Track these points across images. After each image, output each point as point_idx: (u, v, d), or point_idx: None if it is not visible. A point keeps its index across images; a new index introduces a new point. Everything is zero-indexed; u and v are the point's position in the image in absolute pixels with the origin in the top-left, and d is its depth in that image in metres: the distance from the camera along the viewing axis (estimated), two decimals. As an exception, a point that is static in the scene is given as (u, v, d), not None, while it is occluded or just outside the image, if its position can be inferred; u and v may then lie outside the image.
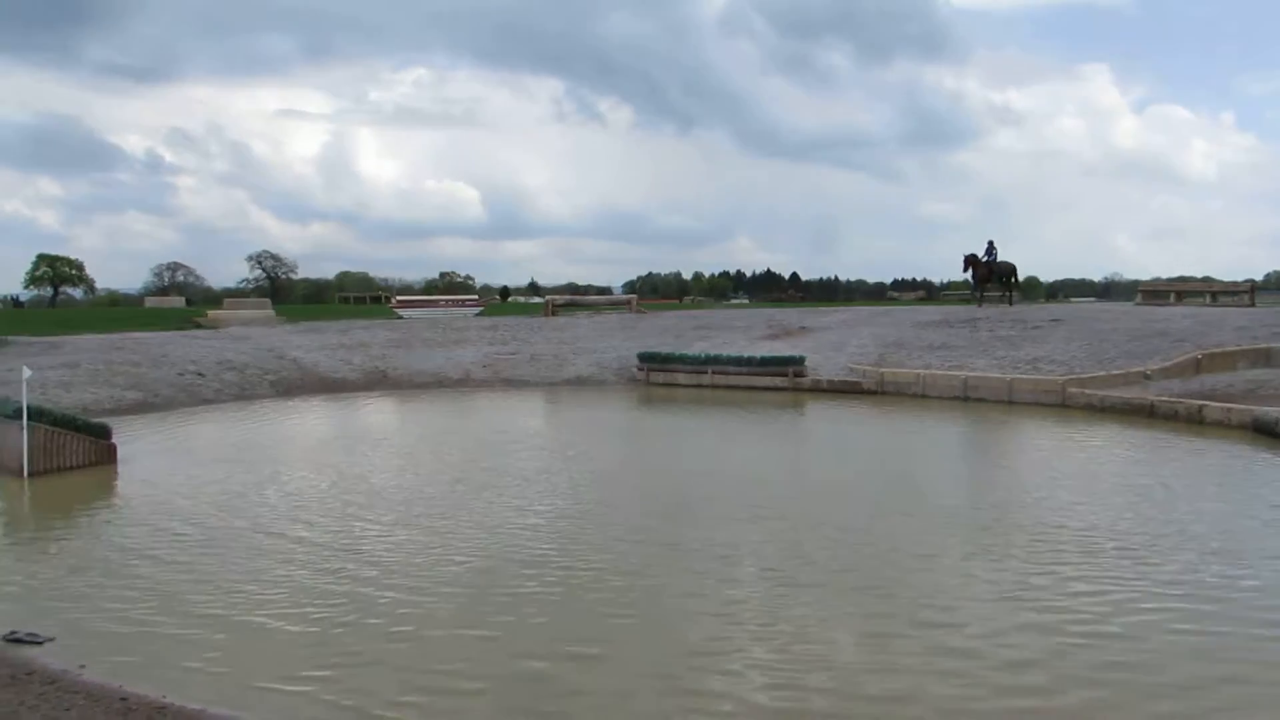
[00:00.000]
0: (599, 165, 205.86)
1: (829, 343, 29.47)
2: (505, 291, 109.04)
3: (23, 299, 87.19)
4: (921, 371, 24.81)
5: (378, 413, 22.69)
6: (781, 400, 23.98)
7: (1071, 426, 18.49)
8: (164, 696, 5.88)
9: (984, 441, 18.23)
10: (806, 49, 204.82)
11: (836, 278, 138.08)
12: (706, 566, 8.89)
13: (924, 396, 23.58)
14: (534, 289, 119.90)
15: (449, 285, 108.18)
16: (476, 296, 61.85)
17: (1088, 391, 21.15)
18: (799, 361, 26.50)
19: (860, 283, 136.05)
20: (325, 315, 46.19)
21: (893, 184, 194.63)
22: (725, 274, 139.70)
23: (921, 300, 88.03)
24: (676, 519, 10.91)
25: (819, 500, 12.12)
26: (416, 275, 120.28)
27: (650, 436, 19.07)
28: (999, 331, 28.51)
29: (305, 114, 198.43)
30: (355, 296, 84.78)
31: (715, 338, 32.57)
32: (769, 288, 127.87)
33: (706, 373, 27.14)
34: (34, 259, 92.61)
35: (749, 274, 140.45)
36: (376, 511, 11.38)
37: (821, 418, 21.28)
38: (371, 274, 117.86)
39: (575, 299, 54.02)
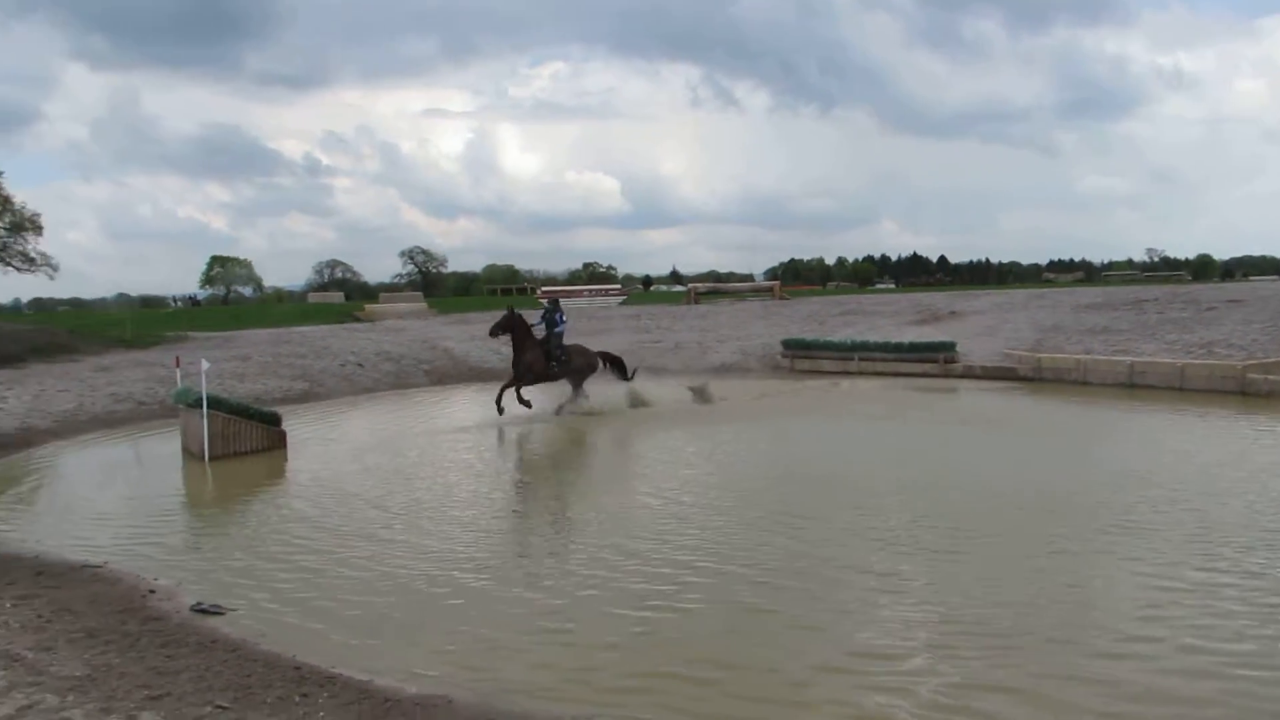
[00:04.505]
0: (737, 150, 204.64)
1: (981, 327, 28.46)
2: (648, 280, 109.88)
3: (199, 298, 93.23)
4: (1082, 357, 23.57)
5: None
6: (940, 387, 23.24)
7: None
8: (333, 667, 6.19)
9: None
10: (952, 18, 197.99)
11: (988, 260, 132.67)
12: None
13: (1084, 384, 22.38)
14: (675, 277, 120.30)
15: (591, 276, 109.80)
16: (619, 286, 62.51)
17: (1271, 378, 19.65)
18: (949, 347, 25.66)
19: (1014, 265, 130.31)
20: (474, 307, 47.62)
21: (1048, 158, 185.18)
22: (869, 258, 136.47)
23: (1080, 282, 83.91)
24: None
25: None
26: (559, 266, 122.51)
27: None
28: (1169, 314, 26.89)
29: (449, 113, 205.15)
30: (502, 289, 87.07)
31: (860, 323, 31.94)
32: (915, 271, 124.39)
33: (853, 359, 26.60)
34: (208, 260, 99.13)
35: (894, 258, 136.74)
36: (539, 489, 11.64)
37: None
38: (516, 266, 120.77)
39: (717, 286, 53.95)
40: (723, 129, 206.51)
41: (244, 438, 14.90)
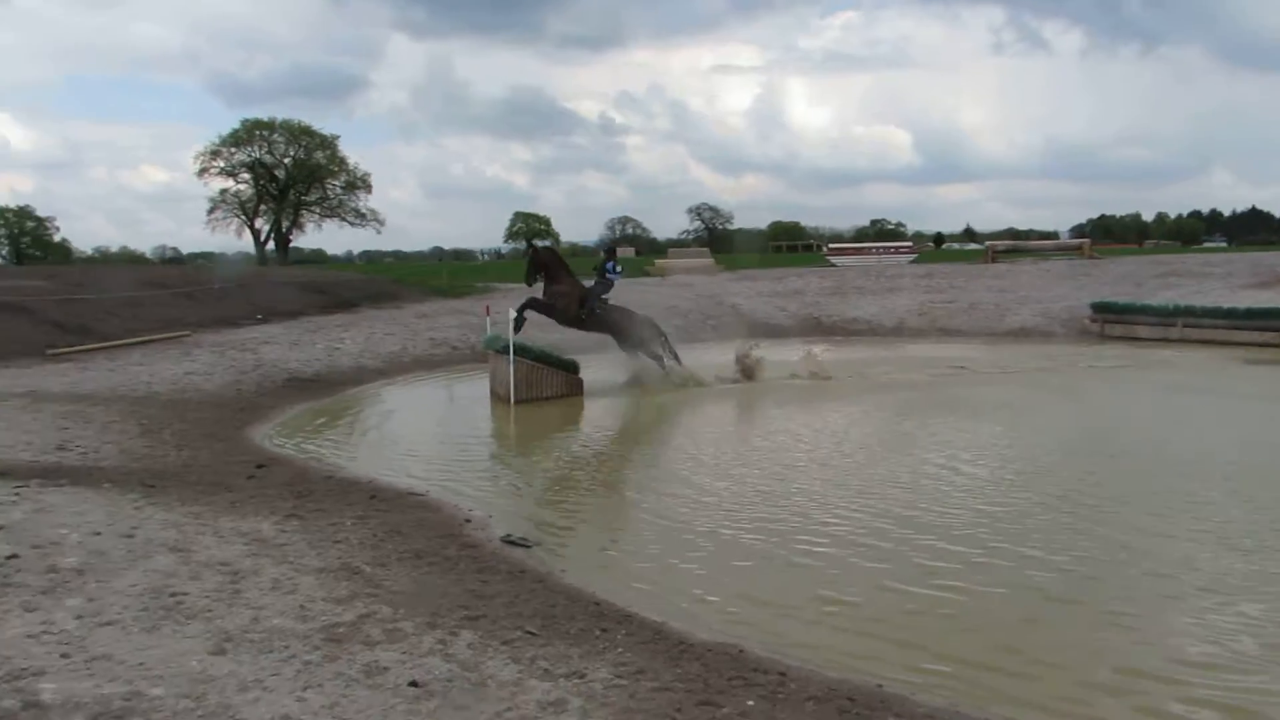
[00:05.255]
0: (1042, 99, 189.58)
1: (1339, 293, 24.90)
2: (939, 238, 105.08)
3: (503, 251, 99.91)
4: None
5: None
6: None
7: None
8: (629, 606, 6.44)
9: None
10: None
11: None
12: None
13: None
14: (970, 235, 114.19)
15: (879, 233, 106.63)
16: (910, 243, 60.43)
17: None
18: (1298, 314, 22.63)
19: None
20: (759, 264, 47.71)
21: None
22: (1196, 214, 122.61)
23: None
24: None
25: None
26: (846, 223, 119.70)
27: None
28: None
29: (737, 68, 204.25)
30: (787, 245, 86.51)
31: (1184, 286, 28.90)
32: (1255, 228, 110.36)
33: (1175, 325, 24.07)
34: (511, 217, 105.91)
35: (1227, 213, 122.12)
36: (821, 448, 11.55)
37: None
38: (802, 223, 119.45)
39: (1017, 244, 50.72)
40: (1025, 76, 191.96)
41: (546, 383, 15.84)
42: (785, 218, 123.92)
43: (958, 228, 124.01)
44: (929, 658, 5.76)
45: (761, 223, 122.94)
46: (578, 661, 5.23)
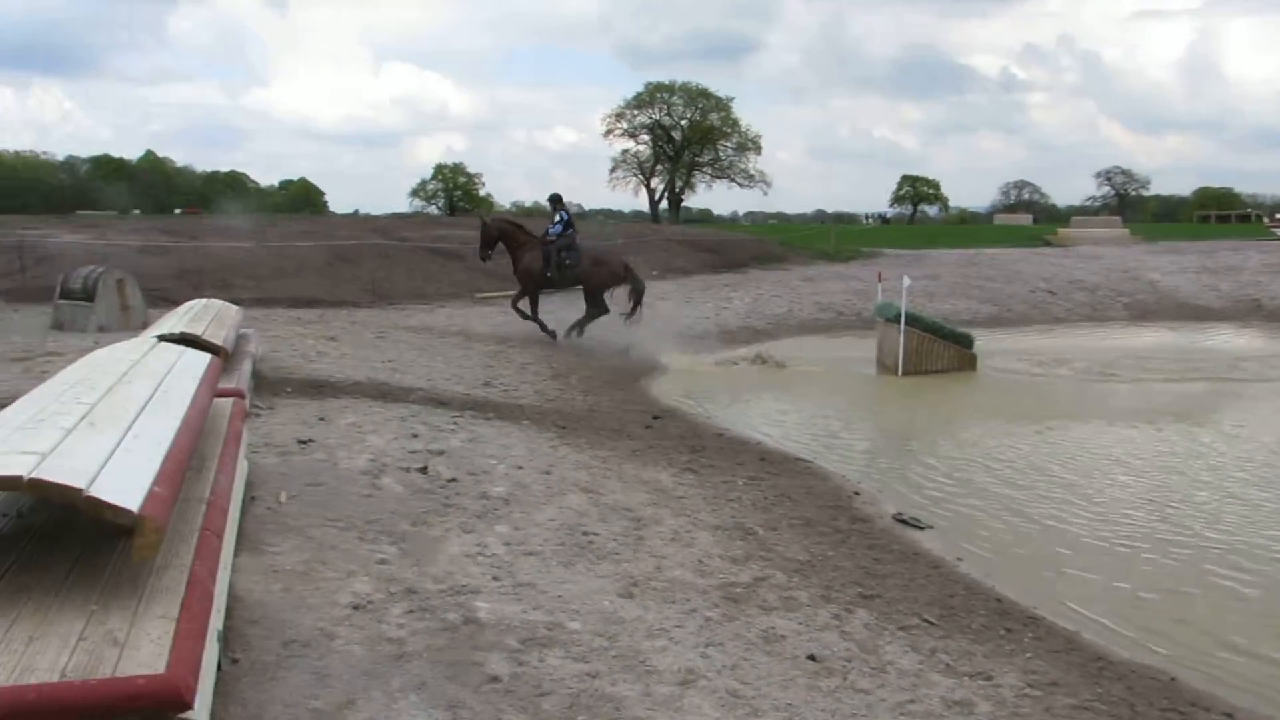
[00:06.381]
0: None
1: None
2: None
3: (888, 215, 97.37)
4: None
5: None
6: None
7: None
8: (1035, 608, 5.94)
9: None
10: None
11: None
12: None
13: None
14: None
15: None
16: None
17: None
18: None
19: None
20: (1182, 235, 42.45)
21: None
22: None
23: None
24: None
25: None
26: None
27: None
28: None
29: (1164, 12, 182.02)
30: (1218, 215, 76.23)
31: None
32: None
33: None
34: (899, 179, 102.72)
35: None
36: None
37: None
38: (1237, 189, 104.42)
39: None
40: None
41: (936, 356, 15.16)
42: (1214, 183, 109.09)
43: None
44: None
45: (1185, 189, 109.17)
46: (982, 661, 4.89)
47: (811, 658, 4.55)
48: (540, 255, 15.85)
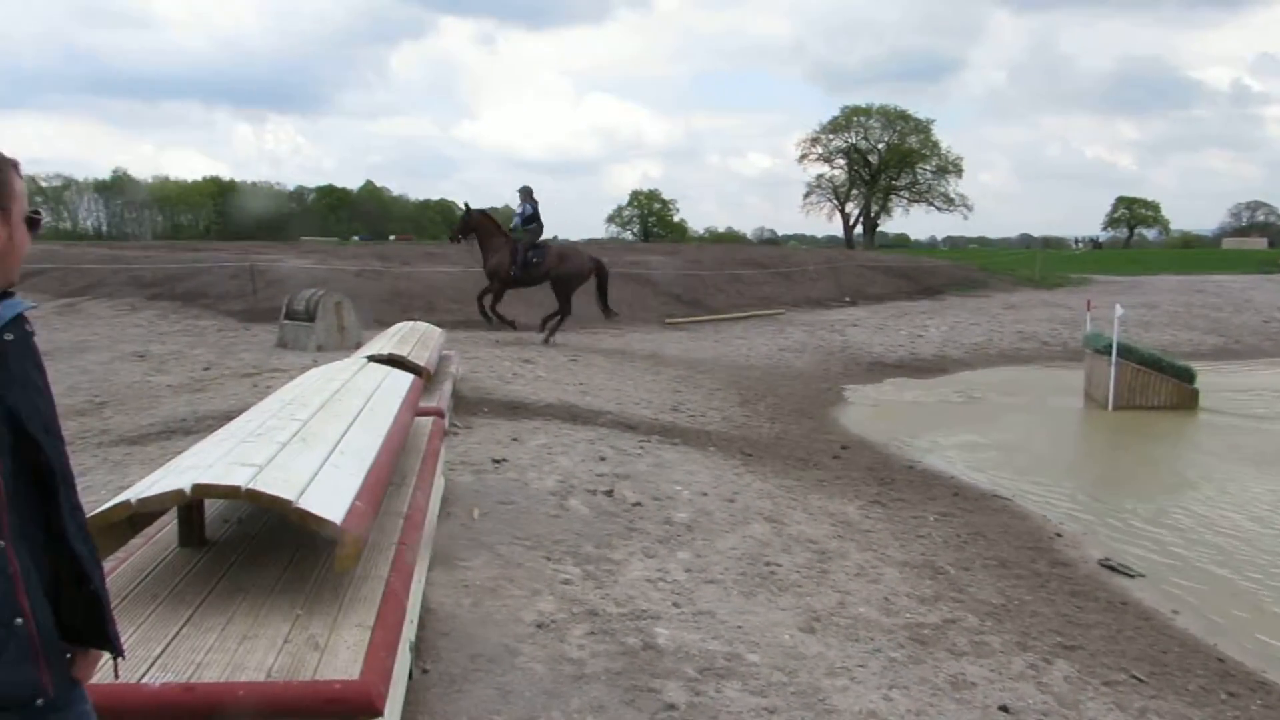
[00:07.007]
0: None
1: None
2: None
3: (1100, 239, 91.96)
4: None
5: None
6: None
7: None
8: (1264, 671, 5.41)
9: None
10: None
11: None
12: None
13: None
14: None
15: None
16: None
17: None
18: None
19: None
20: None
21: None
22: None
23: None
24: None
25: None
26: None
27: None
28: None
29: None
30: None
31: None
32: None
33: None
34: (1113, 201, 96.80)
35: None
36: None
37: None
38: None
39: None
40: None
41: (1151, 391, 14.11)
42: None
43: None
44: None
45: None
46: (1199, 727, 4.50)
47: (1004, 709, 4.31)
48: (508, 254, 15.86)
